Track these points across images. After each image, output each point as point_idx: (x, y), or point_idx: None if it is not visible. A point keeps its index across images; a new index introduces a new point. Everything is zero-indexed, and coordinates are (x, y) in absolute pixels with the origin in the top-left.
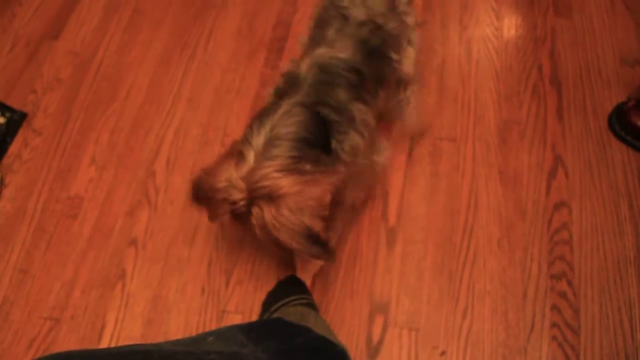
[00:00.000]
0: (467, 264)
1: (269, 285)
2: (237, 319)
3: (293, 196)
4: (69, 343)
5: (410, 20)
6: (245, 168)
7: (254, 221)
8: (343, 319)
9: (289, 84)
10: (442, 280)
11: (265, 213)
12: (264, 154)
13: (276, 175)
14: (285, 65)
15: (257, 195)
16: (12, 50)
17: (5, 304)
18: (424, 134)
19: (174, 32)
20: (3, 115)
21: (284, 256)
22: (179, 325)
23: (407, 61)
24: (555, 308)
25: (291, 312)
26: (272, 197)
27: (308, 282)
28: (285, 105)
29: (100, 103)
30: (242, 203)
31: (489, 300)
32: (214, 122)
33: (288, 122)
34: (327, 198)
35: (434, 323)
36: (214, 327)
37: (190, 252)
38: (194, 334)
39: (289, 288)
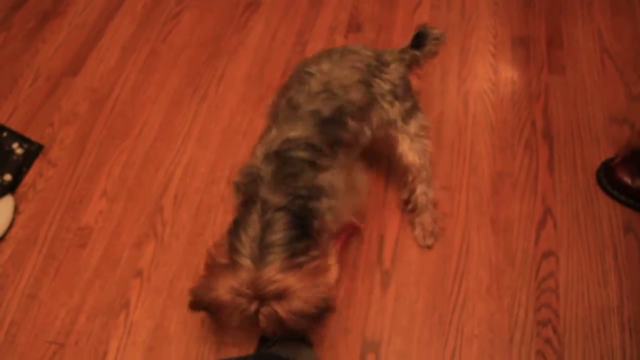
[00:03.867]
0: (457, 308)
1: None
2: (234, 352)
3: (303, 290)
4: None
5: (391, 107)
6: (245, 275)
7: (262, 319)
8: (336, 355)
9: (250, 180)
10: (432, 321)
11: (279, 310)
12: (261, 261)
13: (280, 276)
14: None
15: (268, 296)
16: (33, 85)
17: (13, 327)
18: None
19: (187, 74)
20: (21, 146)
21: None
22: (179, 355)
23: (402, 149)
24: (540, 353)
25: (286, 347)
26: (283, 296)
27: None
28: (263, 212)
29: (113, 138)
30: (252, 308)
31: (477, 343)
32: (221, 162)
33: (274, 229)
34: (333, 277)
35: None
36: (212, 358)
37: (192, 285)
38: None
39: None
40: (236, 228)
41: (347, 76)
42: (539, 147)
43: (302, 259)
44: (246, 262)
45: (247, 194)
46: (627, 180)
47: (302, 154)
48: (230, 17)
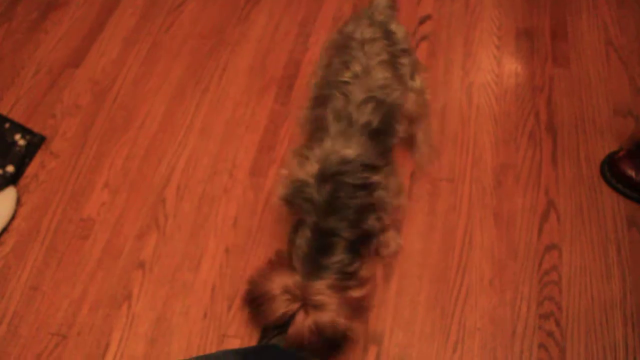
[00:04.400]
0: (460, 301)
1: None
2: (236, 344)
3: (337, 314)
4: (74, 359)
5: (407, 71)
6: (299, 280)
7: (297, 323)
8: None
9: (302, 200)
10: (434, 315)
11: (309, 318)
12: (314, 276)
13: (327, 292)
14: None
15: (310, 303)
16: (35, 76)
17: (15, 318)
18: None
19: (189, 66)
20: (23, 137)
21: None
22: (181, 346)
23: (410, 105)
24: (542, 346)
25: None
26: (320, 308)
27: None
28: (318, 236)
29: (116, 130)
30: (294, 307)
31: (479, 337)
32: (223, 154)
33: (331, 252)
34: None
35: (425, 356)
36: (214, 349)
37: (195, 277)
38: (194, 355)
39: None
40: (296, 249)
41: (382, 76)
42: (542, 139)
43: (351, 282)
44: (300, 271)
45: (300, 213)
46: (631, 173)
47: (357, 178)
48: (233, 9)
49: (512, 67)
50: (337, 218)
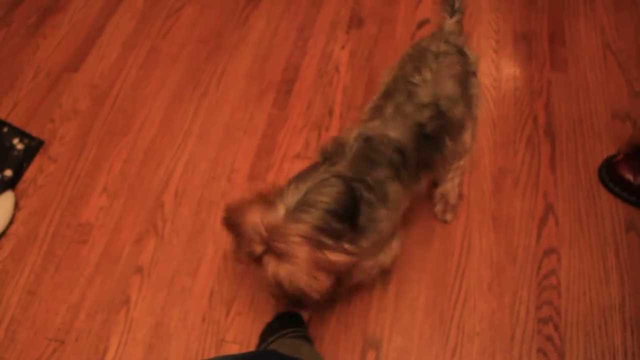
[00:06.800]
0: (458, 305)
1: (267, 317)
2: (235, 349)
3: (299, 269)
4: None
5: (476, 101)
6: (272, 219)
7: (264, 265)
8: (337, 352)
9: (335, 149)
10: (433, 319)
11: (271, 265)
12: (292, 215)
13: (296, 239)
14: (293, 106)
15: (272, 248)
16: (34, 80)
17: (13, 323)
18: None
19: (188, 70)
20: (21, 141)
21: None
22: (179, 352)
23: (466, 134)
24: (541, 351)
25: (286, 344)
26: (283, 257)
27: (305, 317)
28: (324, 172)
29: (114, 134)
30: (259, 248)
31: (478, 341)
32: (222, 158)
33: (323, 190)
34: (328, 283)
35: None
36: (212, 355)
37: (193, 282)
38: None
39: (286, 321)
40: (296, 176)
41: (452, 89)
42: (540, 143)
43: (329, 242)
44: (280, 208)
45: (325, 156)
46: (629, 177)
47: (391, 153)
48: (232, 13)
49: (510, 71)
50: (352, 168)
